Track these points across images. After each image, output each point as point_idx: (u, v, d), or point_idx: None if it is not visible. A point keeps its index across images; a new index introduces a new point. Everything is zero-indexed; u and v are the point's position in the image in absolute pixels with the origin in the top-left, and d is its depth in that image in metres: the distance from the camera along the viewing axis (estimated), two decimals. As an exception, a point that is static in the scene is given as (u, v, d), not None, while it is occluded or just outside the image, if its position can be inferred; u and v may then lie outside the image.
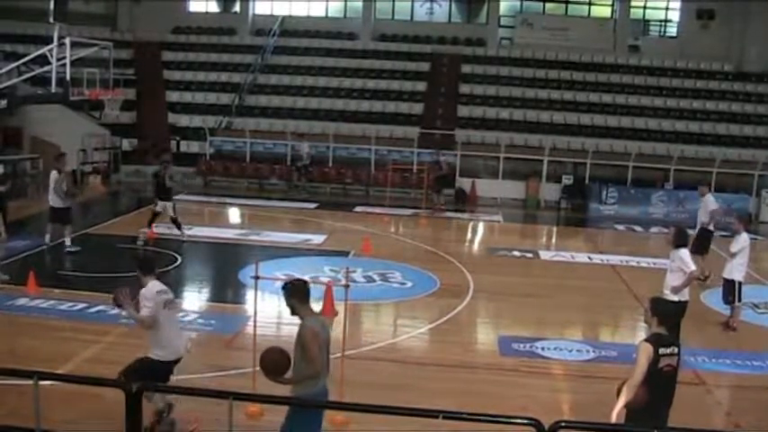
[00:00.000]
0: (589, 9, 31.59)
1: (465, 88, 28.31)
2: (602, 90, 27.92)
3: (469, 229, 21.15)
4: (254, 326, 8.12)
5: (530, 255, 16.80)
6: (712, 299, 12.77)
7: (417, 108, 27.58)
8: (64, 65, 15.11)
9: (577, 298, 13.31)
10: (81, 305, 11.08)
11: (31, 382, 4.86)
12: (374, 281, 13.56)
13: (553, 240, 20.94)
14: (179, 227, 16.07)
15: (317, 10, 32.15)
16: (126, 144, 25.90)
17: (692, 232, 12.97)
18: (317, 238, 17.14)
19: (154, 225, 16.31)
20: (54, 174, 14.68)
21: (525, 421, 4.17)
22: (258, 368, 6.03)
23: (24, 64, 17.25)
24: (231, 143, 26.03)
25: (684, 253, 9.55)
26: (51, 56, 15.15)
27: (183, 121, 27.27)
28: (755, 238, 17.44)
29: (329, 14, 32.31)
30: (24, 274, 11.87)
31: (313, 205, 21.94)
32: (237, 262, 14.54)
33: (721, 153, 24.05)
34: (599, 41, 29.83)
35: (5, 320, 10.42)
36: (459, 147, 25.02)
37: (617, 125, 26.68)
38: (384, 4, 31.72)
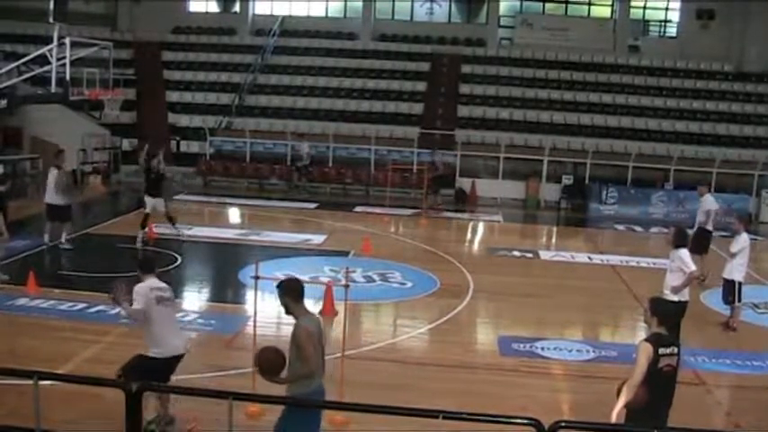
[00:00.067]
0: (589, 9, 31.60)
1: (465, 88, 28.31)
2: (602, 90, 27.92)
3: (469, 229, 21.15)
4: (254, 326, 8.12)
5: (530, 255, 16.80)
6: (712, 299, 12.76)
7: (417, 108, 27.59)
8: (64, 65, 15.11)
9: (577, 298, 13.31)
10: (81, 305, 11.08)
11: (31, 382, 4.86)
12: (374, 281, 13.56)
13: (553, 240, 20.94)
14: (173, 223, 16.03)
15: (317, 10, 32.16)
16: (126, 144, 25.89)
17: (692, 232, 12.96)
18: (317, 238, 17.14)
19: (153, 225, 16.33)
20: (54, 171, 14.72)
21: (525, 421, 4.17)
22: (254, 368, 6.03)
23: (24, 64, 17.25)
24: (231, 143, 26.03)
25: (684, 253, 9.55)
26: (51, 56, 15.14)
27: (183, 121, 27.28)
28: (755, 239, 17.44)
29: (329, 14, 32.32)
30: (24, 274, 11.88)
31: (313, 205, 21.94)
32: (237, 262, 14.54)
33: (721, 153, 24.05)
34: (599, 41, 29.84)
35: (5, 320, 10.42)
36: (459, 147, 25.02)
37: (617, 125, 26.69)
38: (384, 4, 31.72)
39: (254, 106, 27.68)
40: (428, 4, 31.81)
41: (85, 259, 14.48)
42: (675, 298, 9.30)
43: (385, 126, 26.40)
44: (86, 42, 17.19)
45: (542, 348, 10.31)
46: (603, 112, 27.13)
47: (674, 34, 31.44)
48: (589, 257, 16.87)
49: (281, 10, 31.83)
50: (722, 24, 29.58)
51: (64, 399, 7.06)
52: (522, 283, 14.25)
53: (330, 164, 25.40)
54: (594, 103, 27.44)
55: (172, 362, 6.98)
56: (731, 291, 11.43)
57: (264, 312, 8.28)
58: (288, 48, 30.25)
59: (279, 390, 5.95)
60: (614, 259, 16.59)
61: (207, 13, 32.41)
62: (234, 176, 25.47)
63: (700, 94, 28.01)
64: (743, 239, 11.41)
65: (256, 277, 7.96)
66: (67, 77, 15.24)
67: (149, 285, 6.97)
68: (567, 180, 24.50)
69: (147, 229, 16.08)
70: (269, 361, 5.82)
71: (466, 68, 29.13)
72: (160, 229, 16.61)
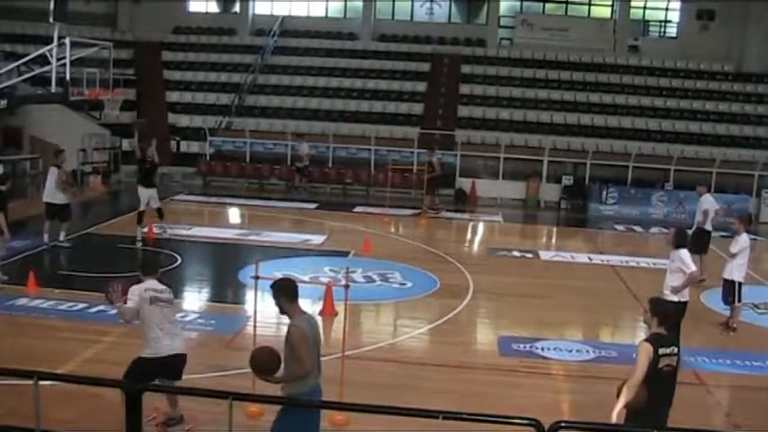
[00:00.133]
0: (589, 9, 31.59)
1: (465, 88, 28.30)
2: (602, 90, 27.92)
3: (469, 230, 21.15)
4: (254, 326, 8.12)
5: (530, 255, 16.80)
6: (712, 299, 12.77)
7: (417, 108, 27.58)
8: (64, 65, 15.09)
9: (577, 298, 13.31)
10: (81, 305, 11.08)
11: (31, 382, 4.86)
12: (374, 281, 13.56)
13: (553, 241, 20.93)
14: (161, 217, 16.19)
15: (317, 10, 32.15)
16: (126, 144, 25.88)
17: (690, 232, 12.96)
18: (317, 239, 17.14)
19: (153, 225, 16.36)
20: (54, 170, 14.77)
21: (525, 421, 4.17)
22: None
23: (24, 64, 17.23)
24: (231, 143, 26.02)
25: (684, 253, 9.55)
26: (51, 56, 15.13)
27: (183, 121, 27.27)
28: (756, 239, 17.45)
29: (329, 14, 32.31)
30: (24, 274, 11.88)
31: (313, 205, 21.93)
32: (237, 262, 14.54)
33: (721, 153, 24.05)
34: (599, 42, 29.84)
35: (5, 320, 10.43)
36: (460, 147, 25.02)
37: (617, 125, 26.69)
38: (384, 5, 31.72)
39: (254, 106, 27.68)
40: (428, 5, 31.81)
41: (85, 259, 14.50)
42: (675, 298, 9.31)
43: (385, 126, 26.39)
44: (86, 42, 17.18)
45: (542, 349, 10.31)
46: (603, 113, 27.13)
47: (674, 34, 31.45)
48: (589, 258, 16.87)
49: (281, 10, 31.82)
50: (722, 25, 29.58)
51: (64, 399, 7.06)
52: (521, 283, 14.25)
53: (330, 164, 25.39)
54: (594, 103, 27.44)
55: (168, 362, 6.91)
56: (731, 291, 11.43)
57: (264, 312, 8.25)
58: (288, 48, 30.24)
59: (279, 390, 5.95)
60: (614, 259, 16.59)
61: (207, 13, 32.40)
62: (234, 176, 25.47)
63: (700, 94, 28.01)
64: (743, 240, 11.41)
65: (256, 277, 7.96)
66: (67, 77, 15.23)
67: (146, 286, 6.97)
68: (567, 180, 24.50)
69: (146, 229, 16.11)
70: (263, 361, 5.82)
71: (466, 69, 29.13)
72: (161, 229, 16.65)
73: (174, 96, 28.22)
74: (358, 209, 21.92)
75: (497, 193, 24.68)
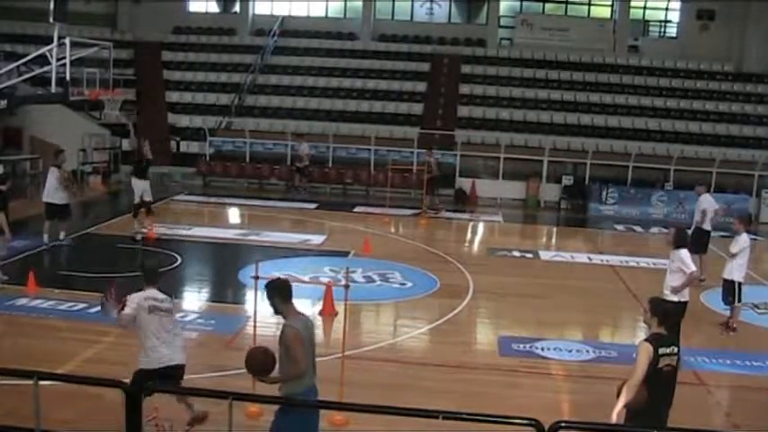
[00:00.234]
0: (589, 9, 31.58)
1: (465, 89, 28.29)
2: (602, 90, 27.91)
3: (469, 230, 21.15)
4: (254, 326, 8.12)
5: (530, 255, 16.80)
6: (712, 299, 12.77)
7: (417, 108, 27.58)
8: (64, 65, 15.11)
9: (577, 298, 13.31)
10: (81, 305, 11.08)
11: (31, 382, 4.86)
12: (374, 281, 13.57)
13: (553, 241, 20.94)
14: (149, 212, 16.26)
15: (317, 10, 32.14)
16: (126, 144, 25.88)
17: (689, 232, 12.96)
18: (317, 239, 17.14)
19: (153, 225, 16.37)
20: (54, 170, 14.79)
21: (525, 421, 4.17)
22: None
23: (24, 64, 17.25)
24: (231, 143, 26.02)
25: (684, 254, 9.56)
26: (51, 56, 15.14)
27: (183, 121, 27.27)
28: (756, 239, 17.45)
29: (329, 14, 32.30)
30: (24, 274, 11.88)
31: (313, 205, 21.93)
32: (237, 262, 14.54)
33: (721, 153, 24.05)
34: (599, 42, 29.84)
35: (5, 320, 10.43)
36: (459, 147, 25.02)
37: (617, 125, 26.68)
38: (384, 5, 31.72)
39: (253, 106, 27.67)
40: (428, 5, 31.80)
41: (85, 259, 14.50)
42: (675, 298, 9.32)
43: (385, 126, 26.39)
44: (86, 42, 17.19)
45: (542, 349, 10.31)
46: (603, 113, 27.12)
47: (674, 34, 31.44)
48: (589, 258, 16.87)
49: (281, 10, 31.81)
50: (722, 25, 29.58)
51: (64, 399, 7.06)
52: (521, 283, 14.25)
53: (330, 164, 25.39)
54: (594, 103, 27.44)
55: (166, 373, 6.82)
56: (731, 291, 11.43)
57: (264, 312, 8.25)
58: (288, 48, 30.23)
59: (277, 390, 5.94)
60: (614, 259, 16.59)
61: (207, 13, 32.39)
62: (234, 177, 25.46)
63: (700, 94, 28.00)
64: (743, 240, 11.41)
65: (256, 277, 7.96)
66: (67, 77, 15.25)
67: (146, 295, 6.91)
68: (567, 180, 24.50)
69: (146, 229, 16.13)
70: (258, 362, 5.83)
71: (466, 69, 29.12)
72: (161, 229, 16.66)
73: (174, 96, 28.22)
74: (358, 209, 21.92)
75: (497, 193, 24.68)
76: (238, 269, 13.70)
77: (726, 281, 11.54)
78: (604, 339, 11.39)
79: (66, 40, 15.14)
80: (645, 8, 31.58)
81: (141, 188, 16.10)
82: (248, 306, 11.05)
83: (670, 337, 6.14)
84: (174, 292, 11.67)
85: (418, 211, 21.49)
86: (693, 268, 9.58)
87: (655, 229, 20.99)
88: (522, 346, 10.41)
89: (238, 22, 31.63)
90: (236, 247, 16.33)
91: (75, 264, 14.07)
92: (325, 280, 12.36)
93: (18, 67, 17.27)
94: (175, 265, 14.12)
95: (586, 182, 24.27)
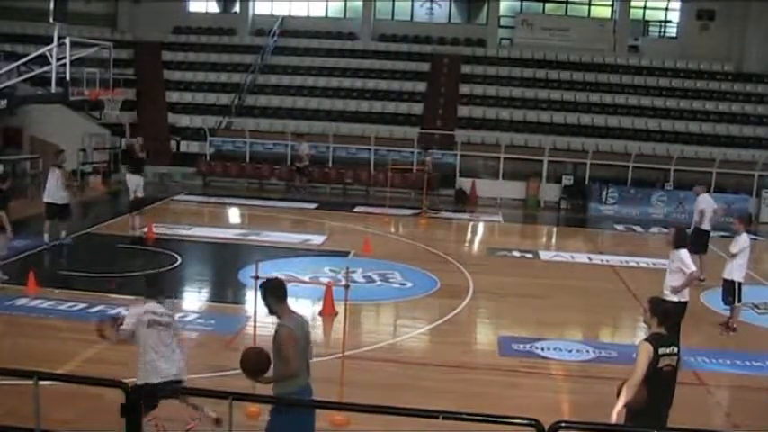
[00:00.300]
0: (589, 9, 31.58)
1: (465, 88, 28.29)
2: (602, 90, 27.92)
3: (469, 230, 21.15)
4: (254, 326, 8.12)
5: (530, 255, 16.80)
6: (712, 299, 12.77)
7: (417, 108, 27.58)
8: (64, 65, 15.11)
9: (577, 298, 13.31)
10: (81, 305, 11.09)
11: (31, 382, 4.86)
12: (374, 281, 13.56)
13: (553, 241, 20.93)
14: (139, 208, 16.38)
15: (317, 10, 32.14)
16: (123, 143, 25.89)
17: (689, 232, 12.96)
18: (317, 239, 17.14)
19: (153, 225, 16.38)
20: (55, 171, 14.82)
21: (525, 421, 4.17)
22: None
23: (24, 64, 17.24)
24: (231, 143, 26.02)
25: (684, 254, 9.56)
26: (51, 56, 15.14)
27: (183, 121, 27.27)
28: (756, 239, 17.45)
29: (329, 14, 32.30)
30: (24, 274, 11.88)
31: (313, 205, 21.93)
32: (237, 262, 14.54)
33: (721, 153, 24.05)
34: (599, 42, 29.84)
35: (5, 320, 10.43)
36: (459, 147, 25.02)
37: (617, 125, 26.68)
38: (384, 5, 31.72)
39: (253, 106, 27.68)
40: (428, 5, 31.80)
41: (85, 259, 14.51)
42: (675, 298, 9.32)
43: (385, 126, 26.39)
44: (86, 42, 17.18)
45: (542, 349, 10.31)
46: (603, 113, 27.13)
47: (674, 34, 31.44)
48: (589, 258, 16.87)
49: (281, 10, 31.81)
50: (722, 25, 29.58)
51: (64, 399, 7.06)
52: (521, 283, 14.25)
53: (330, 164, 25.39)
54: (594, 103, 27.44)
55: (163, 388, 6.70)
56: (731, 291, 11.43)
57: (264, 312, 8.25)
58: (288, 48, 30.24)
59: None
60: (614, 259, 16.59)
61: (207, 13, 32.40)
62: (234, 177, 25.46)
63: (700, 94, 28.00)
64: (743, 240, 11.41)
65: (256, 277, 7.94)
66: (67, 77, 15.25)
67: (145, 309, 6.87)
68: (567, 180, 24.50)
69: (146, 229, 16.15)
70: (252, 362, 5.84)
71: (466, 69, 29.12)
72: (160, 229, 16.66)
73: (174, 96, 28.22)
74: (358, 209, 21.92)
75: (497, 193, 24.68)
76: (238, 269, 13.70)
77: (726, 281, 11.54)
78: (604, 339, 11.39)
79: (67, 40, 15.14)
80: (645, 8, 31.59)
81: (135, 183, 16.32)
82: (248, 306, 11.04)
83: (670, 337, 6.14)
84: (174, 292, 11.72)
85: (418, 211, 21.50)
86: (693, 268, 9.59)
87: (655, 230, 20.99)
88: (522, 346, 10.41)
89: (238, 22, 31.63)
90: (236, 247, 16.33)
91: (75, 264, 14.07)
92: (326, 280, 12.37)
93: (18, 67, 17.26)
94: (175, 265, 14.12)
95: (586, 182, 24.28)
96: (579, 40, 29.86)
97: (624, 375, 6.19)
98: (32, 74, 18.02)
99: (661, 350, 5.88)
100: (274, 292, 5.99)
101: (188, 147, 26.60)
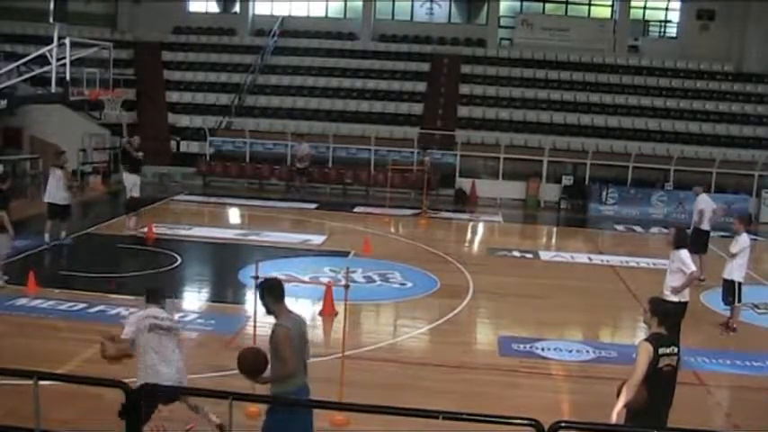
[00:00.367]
0: (589, 9, 31.58)
1: (465, 89, 28.29)
2: (602, 90, 27.91)
3: (469, 230, 21.15)
4: (254, 326, 8.12)
5: (530, 255, 16.80)
6: (712, 299, 12.77)
7: (417, 108, 27.58)
8: (64, 65, 15.12)
9: (577, 298, 13.30)
10: (81, 305, 11.09)
11: (31, 382, 4.86)
12: (374, 281, 13.56)
13: (553, 241, 20.93)
14: (135, 209, 16.46)
15: (317, 10, 32.14)
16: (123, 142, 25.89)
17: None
18: (317, 239, 17.14)
19: (153, 225, 16.38)
20: (57, 171, 14.84)
21: (525, 422, 4.17)
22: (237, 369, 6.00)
23: (24, 64, 17.25)
24: (231, 143, 26.02)
25: (684, 254, 9.56)
26: (51, 56, 15.15)
27: (183, 121, 27.27)
28: (756, 239, 17.45)
29: (329, 15, 32.30)
30: (24, 274, 11.88)
31: (313, 205, 21.93)
32: (237, 262, 14.53)
33: (721, 153, 24.05)
34: (599, 42, 29.83)
35: (5, 320, 10.43)
36: (459, 147, 25.02)
37: (617, 125, 26.68)
38: (384, 5, 31.71)
39: (253, 106, 27.67)
40: (428, 5, 31.80)
41: (85, 259, 14.51)
42: (675, 298, 9.32)
43: (385, 126, 26.39)
44: (86, 43, 17.19)
45: (542, 349, 10.31)
46: (603, 113, 27.12)
47: (674, 35, 31.44)
48: (589, 258, 16.87)
49: (281, 10, 31.80)
50: (722, 25, 29.58)
51: (64, 399, 7.06)
52: (521, 283, 14.24)
53: (330, 164, 25.39)
54: (594, 103, 27.44)
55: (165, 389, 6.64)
56: (731, 291, 11.43)
57: (264, 312, 8.25)
58: (288, 48, 30.23)
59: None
60: (614, 260, 16.59)
61: (207, 13, 32.39)
62: (234, 177, 25.46)
63: (700, 94, 28.00)
64: (743, 240, 11.41)
65: (256, 277, 7.94)
66: (67, 78, 15.26)
67: (145, 314, 6.84)
68: (567, 180, 24.50)
69: (146, 228, 16.16)
70: (249, 362, 5.83)
71: (466, 69, 29.12)
72: (160, 229, 16.67)
73: (174, 96, 28.22)
74: (358, 209, 21.92)
75: (497, 193, 24.68)
76: (238, 269, 13.69)
77: (726, 281, 11.54)
78: (604, 339, 11.38)
79: (67, 41, 15.14)
80: (645, 8, 31.59)
81: (132, 182, 16.42)
82: (248, 306, 11.03)
83: (670, 337, 6.14)
84: (174, 292, 11.72)
85: (418, 211, 21.50)
86: (693, 268, 9.58)
87: (655, 230, 20.99)
88: (522, 346, 10.41)
89: (238, 23, 31.63)
90: (236, 247, 16.33)
91: (75, 264, 14.07)
92: (326, 280, 12.37)
93: (18, 67, 17.27)
94: (175, 265, 14.12)
95: (586, 182, 24.28)
96: (579, 41, 29.86)
97: (624, 375, 6.19)
98: (32, 74, 18.04)
99: (661, 350, 5.88)
100: (272, 292, 5.99)
101: (188, 147, 26.60)
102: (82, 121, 23.52)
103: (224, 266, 15.10)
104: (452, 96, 27.94)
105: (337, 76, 28.87)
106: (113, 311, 10.86)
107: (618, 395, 5.89)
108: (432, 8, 31.81)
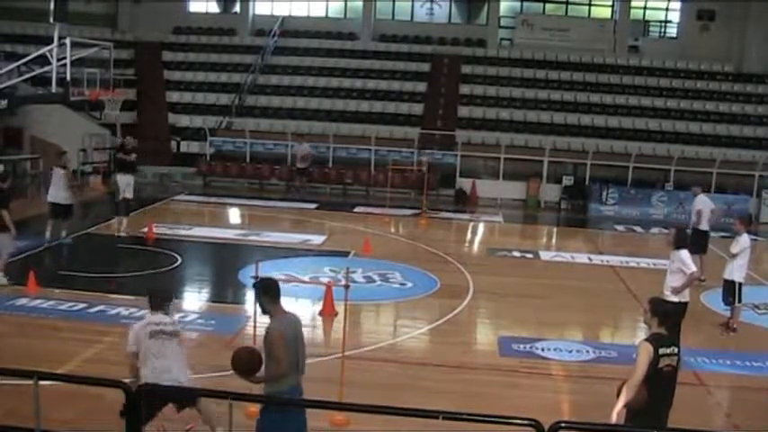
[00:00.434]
0: (589, 10, 31.59)
1: (465, 89, 28.30)
2: (602, 91, 27.92)
3: (470, 230, 21.15)
4: (254, 326, 8.12)
5: (530, 255, 16.79)
6: (712, 299, 12.76)
7: (417, 108, 27.59)
8: (64, 65, 15.13)
9: (577, 299, 13.30)
10: (81, 305, 11.08)
11: (31, 382, 4.86)
12: (374, 281, 13.56)
13: (553, 241, 20.93)
14: (126, 212, 16.51)
15: (317, 10, 32.16)
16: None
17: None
18: (317, 239, 17.14)
19: (153, 225, 16.39)
20: (59, 171, 14.86)
21: (525, 422, 4.17)
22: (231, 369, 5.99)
23: (24, 64, 17.26)
24: (231, 143, 26.03)
25: (685, 254, 9.55)
26: (51, 56, 15.16)
27: (183, 121, 27.28)
28: (756, 239, 17.44)
29: (329, 15, 32.32)
30: (24, 274, 11.88)
31: (313, 205, 21.93)
32: (237, 262, 14.53)
33: (721, 154, 24.05)
34: (599, 42, 29.85)
35: (5, 320, 10.43)
36: (460, 147, 25.02)
37: (617, 126, 26.69)
38: (384, 5, 31.72)
39: (254, 106, 27.68)
40: (428, 5, 31.81)
41: (85, 259, 14.50)
42: (676, 299, 9.31)
43: (385, 126, 26.40)
44: (87, 43, 17.20)
45: (542, 349, 10.30)
46: (604, 113, 27.13)
47: (674, 35, 31.45)
48: (589, 258, 16.86)
49: (281, 10, 31.82)
50: (722, 25, 29.58)
51: (64, 399, 7.06)
52: (522, 283, 14.24)
53: (330, 164, 25.40)
54: (595, 103, 27.44)
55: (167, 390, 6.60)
56: (731, 291, 11.42)
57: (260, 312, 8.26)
58: (288, 48, 30.24)
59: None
60: (614, 260, 16.59)
61: (207, 13, 32.41)
62: (234, 177, 25.46)
63: (700, 94, 28.00)
64: (744, 240, 11.40)
65: (256, 277, 7.94)
66: (68, 78, 15.27)
67: (147, 321, 6.79)
68: (568, 180, 24.51)
69: (146, 228, 16.17)
70: (244, 362, 5.84)
71: (466, 69, 29.13)
72: (160, 229, 16.67)
73: (174, 96, 28.23)
74: (358, 209, 21.92)
75: (498, 193, 24.68)
76: (238, 269, 13.69)
77: (726, 281, 11.54)
78: (604, 340, 11.38)
79: (67, 41, 15.16)
80: (645, 8, 31.59)
81: (125, 183, 16.47)
82: (248, 306, 11.05)
83: (670, 337, 6.13)
84: (174, 292, 11.71)
85: (418, 211, 21.49)
86: (694, 269, 9.58)
87: (655, 230, 20.98)
88: (522, 346, 10.41)
89: (238, 23, 31.64)
90: (236, 247, 16.33)
91: (75, 264, 14.07)
92: (326, 280, 12.36)
93: (18, 67, 17.28)
94: (175, 265, 14.12)
95: (587, 182, 24.28)
96: (579, 41, 29.87)
97: (624, 376, 6.19)
98: (33, 74, 18.04)
99: (661, 350, 5.88)
100: (267, 292, 5.99)
101: (188, 147, 26.61)
102: (82, 121, 23.52)
103: (224, 266, 15.10)
104: (453, 96, 27.94)
105: (337, 76, 28.88)
106: (113, 311, 10.87)
107: (618, 395, 5.89)
108: (432, 8, 31.82)
